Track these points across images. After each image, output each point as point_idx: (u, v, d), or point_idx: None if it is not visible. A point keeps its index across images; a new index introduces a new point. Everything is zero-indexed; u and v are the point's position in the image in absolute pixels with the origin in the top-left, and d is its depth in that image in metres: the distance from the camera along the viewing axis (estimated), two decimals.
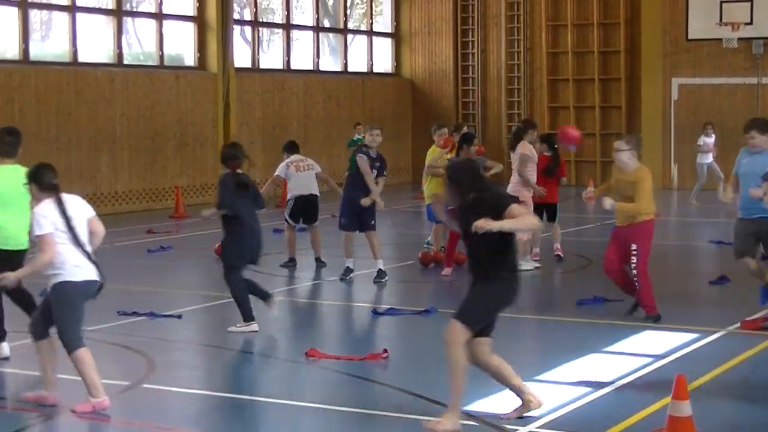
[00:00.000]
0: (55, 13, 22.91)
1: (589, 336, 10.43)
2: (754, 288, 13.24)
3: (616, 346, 9.94)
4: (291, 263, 14.93)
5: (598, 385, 8.45)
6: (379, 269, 13.69)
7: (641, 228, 10.91)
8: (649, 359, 9.31)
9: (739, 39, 26.55)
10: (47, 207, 7.96)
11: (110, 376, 9.11)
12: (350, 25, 30.38)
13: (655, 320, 10.86)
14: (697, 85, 27.63)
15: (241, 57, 26.36)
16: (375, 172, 13.76)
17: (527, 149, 14.60)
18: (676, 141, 27.83)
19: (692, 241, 18.12)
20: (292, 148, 15.58)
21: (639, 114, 28.29)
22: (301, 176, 15.12)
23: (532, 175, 14.46)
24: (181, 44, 25.33)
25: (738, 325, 10.65)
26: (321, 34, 29.13)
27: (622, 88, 28.62)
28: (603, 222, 20.39)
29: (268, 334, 10.88)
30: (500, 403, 8.00)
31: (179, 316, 11.47)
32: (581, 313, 11.51)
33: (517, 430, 7.32)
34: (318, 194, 15.20)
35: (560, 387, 8.47)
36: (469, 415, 7.67)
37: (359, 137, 24.00)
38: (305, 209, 15.11)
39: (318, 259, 15.04)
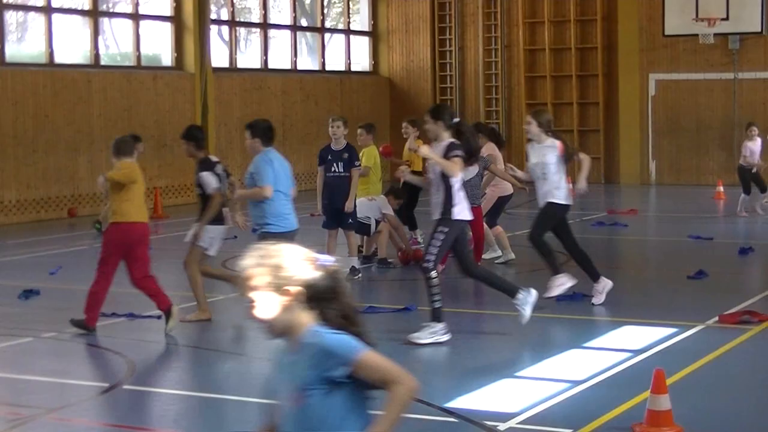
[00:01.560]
0: (31, 14, 22.83)
1: (568, 332, 10.48)
2: (732, 282, 13.34)
3: (595, 342, 9.98)
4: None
5: (577, 381, 8.49)
6: (352, 266, 13.75)
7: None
8: (628, 354, 9.36)
9: (716, 34, 26.67)
10: None
11: (90, 378, 9.10)
12: (327, 24, 30.38)
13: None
14: (674, 80, 27.77)
15: (219, 57, 26.33)
16: (341, 165, 13.74)
17: (492, 148, 14.98)
18: (654, 136, 27.96)
19: (670, 236, 18.20)
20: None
21: (617, 110, 28.41)
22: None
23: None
24: (159, 44, 25.28)
25: (716, 319, 10.71)
26: (298, 33, 29.12)
27: (599, 84, 28.73)
28: (582, 218, 20.47)
29: (249, 334, 10.88)
30: (479, 400, 8.03)
31: (159, 317, 11.44)
32: (560, 309, 11.55)
33: (496, 426, 7.35)
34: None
35: (540, 383, 8.51)
36: (449, 412, 7.69)
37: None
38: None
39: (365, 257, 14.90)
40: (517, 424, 7.43)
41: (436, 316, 9.97)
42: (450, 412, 7.72)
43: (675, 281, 13.41)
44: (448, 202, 9.89)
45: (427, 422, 7.56)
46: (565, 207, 11.60)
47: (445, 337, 9.95)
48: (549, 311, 11.45)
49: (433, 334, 9.92)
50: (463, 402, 7.97)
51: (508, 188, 15.05)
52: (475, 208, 13.51)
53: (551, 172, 11.44)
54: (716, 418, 7.63)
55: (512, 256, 14.88)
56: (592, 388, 8.36)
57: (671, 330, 10.24)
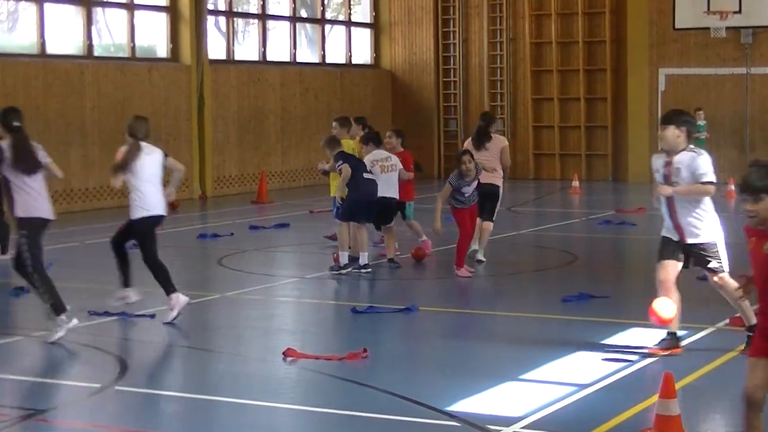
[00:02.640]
0: (22, 4, 22.78)
1: (575, 333, 10.45)
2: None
3: (602, 344, 9.95)
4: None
5: (583, 384, 8.47)
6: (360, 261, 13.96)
7: None
8: (637, 357, 9.33)
9: (728, 28, 26.65)
10: None
11: (81, 378, 9.08)
12: (328, 15, 30.35)
13: None
14: (684, 75, 27.72)
15: (216, 48, 26.29)
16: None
17: (504, 140, 15.33)
18: None
19: None
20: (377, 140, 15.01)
21: (625, 105, 28.37)
22: (384, 177, 14.49)
23: None
24: (154, 35, 25.24)
25: (727, 321, 10.68)
26: (298, 25, 29.09)
27: (607, 79, 28.69)
28: (589, 217, 20.46)
29: (244, 334, 10.86)
30: (482, 403, 8.01)
31: (152, 316, 11.43)
32: (567, 310, 11.53)
33: (500, 430, 7.33)
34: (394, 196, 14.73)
35: (545, 386, 8.49)
36: (451, 416, 7.67)
37: (701, 123, 24.83)
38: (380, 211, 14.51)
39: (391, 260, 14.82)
40: (520, 428, 7.41)
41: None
42: (452, 415, 7.70)
43: (684, 282, 13.27)
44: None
45: (429, 426, 7.54)
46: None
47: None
48: (554, 312, 11.43)
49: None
50: (466, 405, 7.94)
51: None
52: (462, 210, 13.58)
53: None
54: (727, 424, 7.60)
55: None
56: (599, 392, 8.33)
57: (681, 332, 10.19)
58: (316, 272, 14.25)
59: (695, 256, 9.49)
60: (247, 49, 27.84)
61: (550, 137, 29.48)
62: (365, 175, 13.97)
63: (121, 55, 24.39)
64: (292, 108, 27.68)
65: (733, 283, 8.93)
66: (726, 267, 9.38)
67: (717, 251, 9.43)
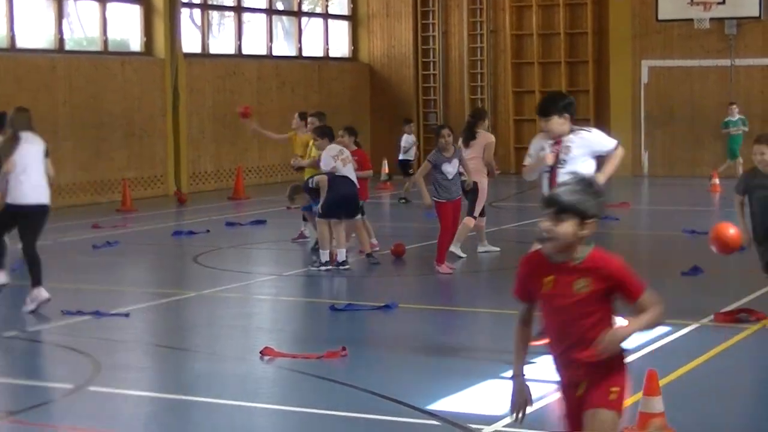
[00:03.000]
0: None
1: None
2: (728, 279, 13.38)
3: None
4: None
5: None
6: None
7: None
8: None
9: (711, 19, 26.75)
10: None
11: (54, 379, 9.06)
12: (305, 8, 30.32)
13: None
14: (668, 67, 27.82)
15: (191, 42, 26.23)
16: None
17: (490, 137, 15.29)
18: (647, 126, 28.02)
19: (663, 230, 18.24)
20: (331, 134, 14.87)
21: (607, 98, 28.45)
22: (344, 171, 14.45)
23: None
24: (127, 29, 25.17)
25: (711, 317, 10.73)
26: (274, 17, 29.05)
27: (589, 71, 28.76)
28: None
29: (220, 333, 10.84)
30: (463, 402, 8.02)
31: (126, 315, 11.40)
32: None
33: (481, 429, 7.34)
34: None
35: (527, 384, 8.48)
36: (432, 415, 7.68)
37: (734, 119, 25.18)
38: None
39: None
40: (502, 427, 7.42)
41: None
42: (432, 414, 7.71)
43: (668, 278, 13.42)
44: None
45: (409, 425, 7.55)
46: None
47: None
48: (536, 310, 11.44)
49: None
50: (446, 404, 7.96)
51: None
52: (445, 204, 13.59)
53: None
54: (711, 421, 7.63)
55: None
56: None
57: (665, 329, 10.22)
58: (293, 269, 14.25)
59: None
60: (222, 43, 27.79)
61: (531, 130, 29.39)
62: (343, 172, 13.98)
63: (93, 49, 24.31)
64: (269, 102, 27.64)
65: None
66: None
67: None
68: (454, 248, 14.58)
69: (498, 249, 15.30)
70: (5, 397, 8.64)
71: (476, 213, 14.88)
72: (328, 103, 28.78)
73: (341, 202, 13.92)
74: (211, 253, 15.67)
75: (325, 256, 13.96)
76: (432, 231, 14.63)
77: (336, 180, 13.92)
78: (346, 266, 13.90)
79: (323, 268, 13.88)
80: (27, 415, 8.04)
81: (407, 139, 25.00)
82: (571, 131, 9.29)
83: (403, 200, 22.27)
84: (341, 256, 13.92)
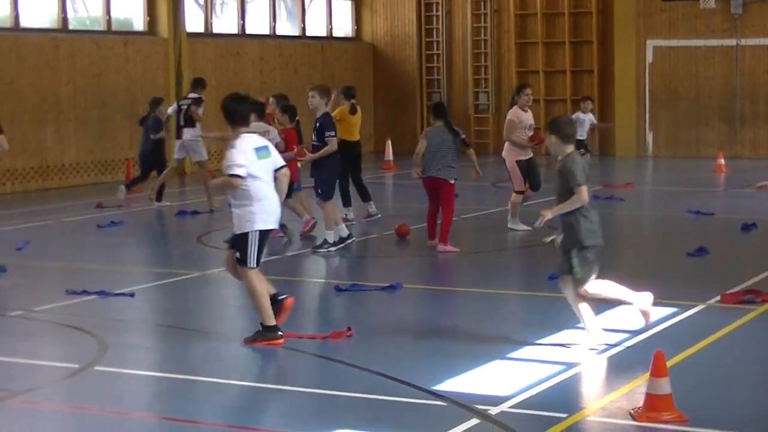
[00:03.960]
0: None
1: (561, 312, 10.45)
2: (734, 260, 13.36)
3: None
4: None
5: (572, 363, 8.49)
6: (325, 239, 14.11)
7: None
8: (626, 335, 9.35)
9: None
10: None
11: (59, 359, 9.06)
12: None
13: None
14: (672, 47, 27.72)
15: (193, 21, 26.16)
16: (314, 135, 14.14)
17: (515, 114, 15.47)
18: (652, 106, 27.94)
19: (668, 211, 18.21)
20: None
21: (612, 78, 28.36)
22: None
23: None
24: (130, 8, 25.08)
25: (718, 298, 10.72)
26: None
27: (594, 51, 28.67)
28: None
29: (226, 313, 10.85)
30: (469, 383, 8.03)
31: (131, 295, 11.41)
32: (553, 287, 11.51)
33: (488, 410, 7.34)
34: None
35: (533, 365, 8.50)
36: (438, 396, 7.68)
37: None
38: None
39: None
40: (509, 408, 7.42)
41: None
42: (438, 395, 7.71)
43: (674, 259, 13.42)
44: None
45: (415, 405, 7.55)
46: None
47: None
48: (541, 290, 11.45)
49: None
50: (452, 385, 7.96)
51: None
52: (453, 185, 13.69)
53: None
54: (718, 402, 7.63)
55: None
56: (588, 371, 8.35)
57: (671, 310, 10.24)
58: (297, 250, 14.24)
59: None
60: (225, 22, 27.71)
61: (535, 111, 29.21)
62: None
63: (96, 28, 24.24)
64: (272, 82, 27.56)
65: None
66: None
67: None
68: (513, 224, 14.90)
69: (529, 228, 14.96)
70: (11, 376, 8.65)
71: (516, 188, 15.09)
72: (331, 83, 28.64)
73: (336, 181, 14.55)
74: (215, 233, 15.66)
75: (340, 232, 14.03)
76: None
77: (337, 158, 14.28)
78: (352, 238, 14.18)
79: (333, 248, 13.87)
80: (33, 394, 8.05)
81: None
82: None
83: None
84: (344, 231, 14.15)
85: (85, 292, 11.45)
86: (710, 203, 18.25)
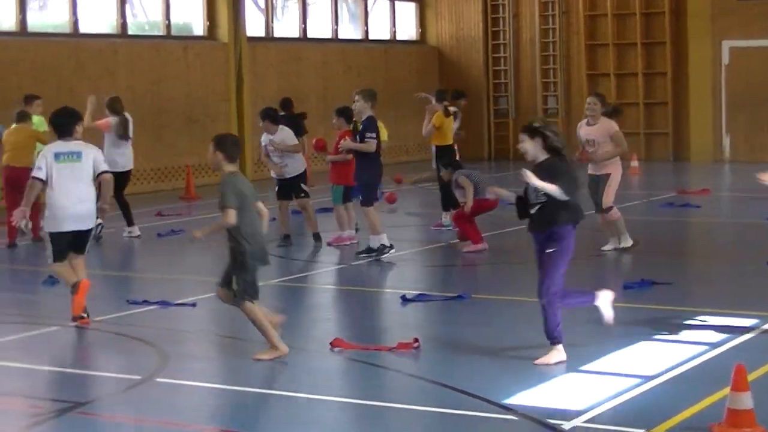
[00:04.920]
0: None
1: (637, 322, 10.36)
2: None
3: (667, 333, 9.87)
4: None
5: (648, 376, 8.40)
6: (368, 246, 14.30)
7: None
8: (705, 347, 9.24)
9: None
10: None
11: (120, 370, 9.13)
12: None
13: None
14: (749, 47, 27.38)
15: (254, 25, 26.31)
16: (357, 139, 14.35)
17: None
18: (728, 109, 27.63)
19: (746, 218, 18.00)
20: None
21: (686, 80, 28.09)
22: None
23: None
24: (190, 12, 25.30)
25: None
26: (339, 0, 29.04)
27: (667, 52, 28.42)
28: (650, 198, 20.31)
29: (289, 323, 10.86)
30: (541, 396, 7.97)
31: (193, 305, 11.47)
32: (628, 297, 11.43)
33: (561, 425, 7.28)
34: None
35: (608, 378, 8.42)
36: (508, 409, 7.63)
37: None
38: None
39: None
40: (582, 422, 7.36)
41: None
42: (508, 408, 7.66)
43: (753, 267, 13.24)
44: None
45: (484, 419, 7.51)
46: None
47: None
48: (615, 300, 11.32)
49: None
50: (524, 398, 7.90)
51: None
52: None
53: None
54: None
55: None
56: (665, 384, 8.26)
57: (751, 321, 10.10)
58: (361, 259, 14.24)
59: None
60: (286, 26, 27.84)
61: None
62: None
63: (155, 33, 24.46)
64: (334, 87, 27.65)
65: None
66: None
67: None
68: (624, 242, 14.36)
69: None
70: (71, 388, 8.72)
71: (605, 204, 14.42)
72: (395, 88, 28.75)
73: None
74: (276, 241, 15.69)
75: (376, 241, 14.19)
76: (506, 220, 14.54)
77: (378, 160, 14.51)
78: (392, 248, 14.27)
79: (374, 255, 14.12)
80: (93, 406, 8.11)
81: None
82: None
83: None
84: (384, 239, 14.26)
85: (146, 302, 11.53)
86: None
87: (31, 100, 17.42)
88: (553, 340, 8.96)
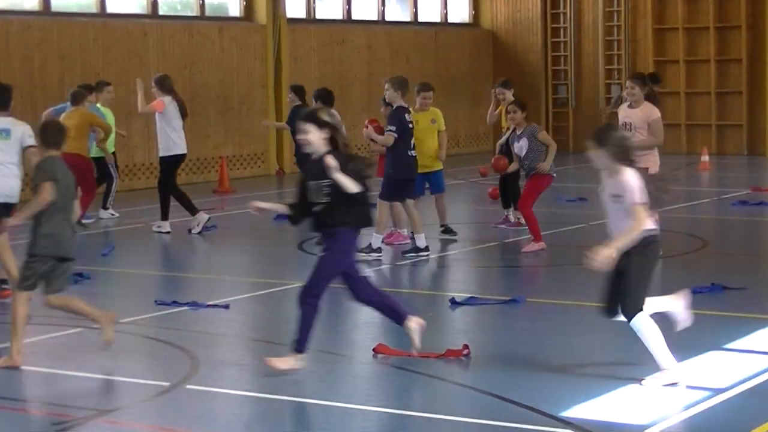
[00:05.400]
0: None
1: (706, 330, 10.30)
2: None
3: (739, 343, 9.82)
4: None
5: (719, 389, 8.36)
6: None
7: None
8: None
9: None
10: None
11: (148, 376, 9.18)
12: None
13: None
14: None
15: (295, 6, 26.39)
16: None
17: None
18: None
19: None
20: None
21: (763, 68, 27.92)
22: None
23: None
24: None
25: None
26: None
27: (742, 37, 28.24)
28: (721, 196, 20.20)
29: (329, 328, 10.88)
30: (600, 408, 7.95)
31: (226, 307, 11.52)
32: (697, 302, 11.35)
33: None
34: None
35: (674, 390, 8.39)
36: (566, 423, 7.62)
37: None
38: None
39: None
40: None
41: None
42: (566, 422, 7.65)
43: None
44: None
45: None
46: None
47: None
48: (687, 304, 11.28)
49: None
50: (582, 411, 7.89)
51: None
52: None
53: None
54: None
55: None
56: (738, 397, 8.21)
57: None
58: (407, 259, 14.26)
59: None
60: (329, 7, 27.90)
61: (674, 105, 29.11)
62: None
63: (188, 13, 24.58)
64: (380, 73, 27.62)
65: None
66: None
67: None
68: None
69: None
70: (97, 394, 8.79)
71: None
72: (446, 74, 28.77)
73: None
74: (316, 238, 15.74)
75: (377, 241, 14.33)
76: (571, 217, 14.51)
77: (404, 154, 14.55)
78: (428, 251, 14.36)
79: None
80: (120, 414, 8.17)
81: None
82: None
83: None
84: (421, 241, 14.36)
85: (176, 303, 11.60)
86: None
87: (101, 87, 17.89)
88: (297, 346, 8.94)
